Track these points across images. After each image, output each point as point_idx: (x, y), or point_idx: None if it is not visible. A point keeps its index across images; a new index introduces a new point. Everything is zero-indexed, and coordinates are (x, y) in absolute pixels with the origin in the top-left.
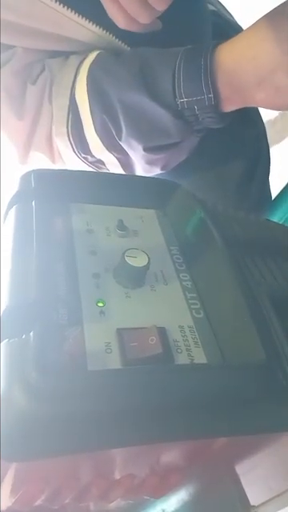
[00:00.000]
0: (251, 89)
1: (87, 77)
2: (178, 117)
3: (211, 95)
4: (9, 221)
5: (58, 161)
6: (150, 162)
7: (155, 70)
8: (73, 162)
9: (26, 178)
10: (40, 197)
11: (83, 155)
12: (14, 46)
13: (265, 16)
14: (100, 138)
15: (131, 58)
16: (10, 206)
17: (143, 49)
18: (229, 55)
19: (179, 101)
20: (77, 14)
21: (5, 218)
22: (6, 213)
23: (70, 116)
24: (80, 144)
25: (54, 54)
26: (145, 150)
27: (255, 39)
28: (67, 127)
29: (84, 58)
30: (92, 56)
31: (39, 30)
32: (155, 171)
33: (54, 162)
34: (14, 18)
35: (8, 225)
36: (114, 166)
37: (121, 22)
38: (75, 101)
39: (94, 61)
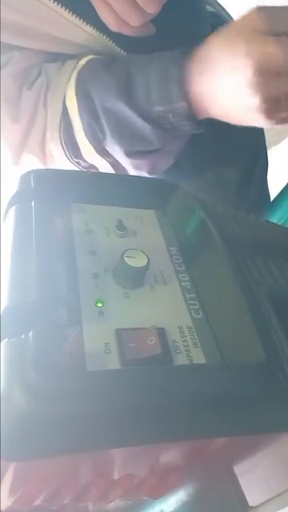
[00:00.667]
0: (217, 101)
1: (76, 81)
2: (156, 125)
3: (184, 103)
4: (8, 221)
5: (50, 164)
6: (135, 167)
7: (134, 78)
8: (66, 167)
9: (25, 178)
10: (39, 197)
11: (75, 160)
12: (12, 48)
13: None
14: (91, 143)
15: (121, 64)
16: (9, 206)
17: (134, 56)
18: (199, 64)
19: (155, 109)
20: (74, 15)
21: (4, 218)
22: (6, 213)
23: (63, 121)
24: (72, 149)
25: (52, 58)
26: (127, 154)
27: (223, 50)
28: (59, 132)
29: (77, 62)
30: (83, 61)
31: (35, 30)
32: (144, 175)
33: (45, 164)
34: (11, 16)
35: (7, 225)
36: (106, 171)
37: (112, 25)
38: (66, 105)
39: (84, 66)
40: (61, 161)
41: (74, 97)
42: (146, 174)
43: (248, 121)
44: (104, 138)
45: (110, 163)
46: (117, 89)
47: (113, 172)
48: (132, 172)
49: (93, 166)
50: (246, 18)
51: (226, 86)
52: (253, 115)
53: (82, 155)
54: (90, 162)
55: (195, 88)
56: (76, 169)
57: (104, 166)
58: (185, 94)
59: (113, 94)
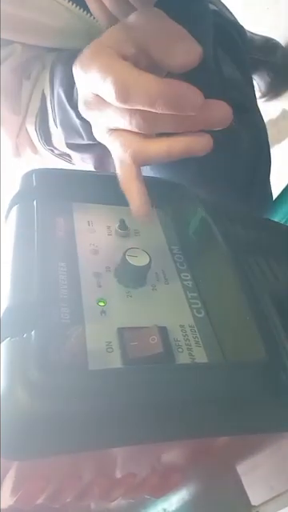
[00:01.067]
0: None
1: (50, 69)
2: (81, 117)
3: (79, 120)
4: (10, 220)
5: (21, 150)
6: (81, 159)
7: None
8: (45, 155)
9: (27, 177)
10: (41, 196)
11: (48, 147)
12: (13, 42)
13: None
14: (59, 130)
15: (73, 56)
16: (11, 206)
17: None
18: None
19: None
20: (74, 4)
21: (6, 218)
22: (8, 212)
23: (39, 108)
24: (44, 136)
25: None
26: (68, 146)
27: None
28: (36, 117)
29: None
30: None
31: (36, 22)
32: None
33: (35, 153)
34: (12, 10)
35: (10, 224)
36: (79, 159)
37: (104, 22)
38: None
39: (60, 53)
40: (39, 148)
41: (48, 85)
42: (92, 168)
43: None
44: (56, 127)
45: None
46: (60, 77)
47: (85, 162)
48: (79, 164)
49: (66, 154)
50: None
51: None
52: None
53: (52, 142)
54: (62, 149)
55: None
56: (49, 155)
57: (74, 155)
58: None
59: (58, 82)
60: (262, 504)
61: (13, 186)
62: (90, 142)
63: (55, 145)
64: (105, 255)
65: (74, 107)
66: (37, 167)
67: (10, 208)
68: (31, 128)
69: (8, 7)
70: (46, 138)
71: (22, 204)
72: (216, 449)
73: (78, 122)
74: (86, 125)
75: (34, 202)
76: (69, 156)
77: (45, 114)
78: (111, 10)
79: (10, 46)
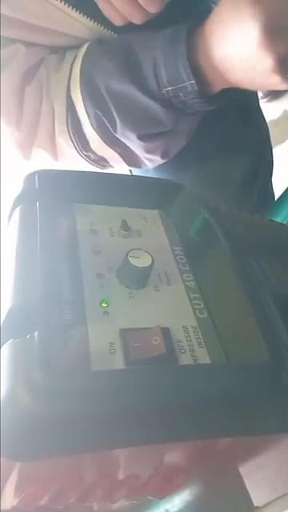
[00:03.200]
0: (227, 70)
1: (80, 72)
2: (167, 105)
3: (193, 81)
4: (13, 221)
5: (61, 158)
6: (148, 151)
7: (139, 60)
8: (76, 161)
9: (29, 178)
10: (44, 197)
11: (85, 153)
12: (16, 42)
13: None
14: (98, 134)
15: (116, 47)
16: (14, 207)
17: (127, 36)
18: (205, 36)
19: (164, 90)
20: (77, 11)
21: (9, 219)
22: (11, 213)
23: (69, 114)
24: (80, 142)
25: (56, 50)
26: (139, 138)
27: (227, 16)
28: (67, 125)
29: (76, 54)
30: (82, 50)
31: (39, 27)
32: (157, 160)
33: (56, 159)
34: (13, 14)
35: (12, 225)
36: (116, 162)
37: (117, 21)
38: (71, 98)
39: (84, 55)
40: (71, 154)
41: (79, 89)
42: (158, 159)
43: (265, 85)
44: (114, 126)
45: (120, 154)
46: (120, 73)
47: (122, 163)
48: (142, 159)
49: (103, 159)
50: None
51: (237, 53)
52: (269, 78)
53: (91, 148)
54: (100, 154)
55: (205, 61)
56: (86, 163)
57: (114, 158)
58: (194, 70)
59: (118, 79)
60: (265, 505)
61: (15, 187)
62: (166, 129)
63: (93, 149)
64: (107, 256)
65: (155, 98)
66: (39, 168)
67: (13, 209)
68: (64, 137)
69: (17, 14)
70: (83, 144)
71: (25, 205)
72: (219, 450)
73: (160, 109)
74: (170, 110)
75: (37, 203)
76: (105, 161)
77: (76, 120)
78: (123, 12)
79: (13, 45)
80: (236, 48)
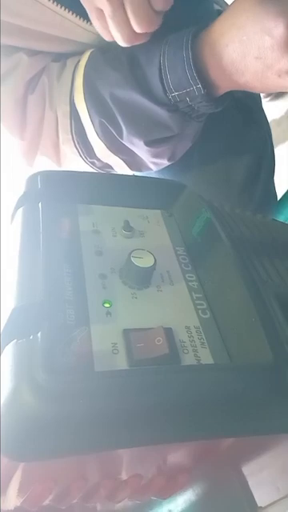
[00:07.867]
0: (237, 71)
1: (83, 81)
2: (173, 110)
3: (199, 85)
4: (16, 222)
5: (65, 165)
6: (155, 155)
7: (144, 67)
8: (80, 168)
9: (32, 179)
10: (46, 198)
11: (90, 160)
12: (19, 51)
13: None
14: (103, 142)
15: (120, 55)
16: (16, 208)
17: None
18: (213, 39)
19: (170, 95)
20: (78, 17)
21: (12, 220)
22: (13, 214)
23: (73, 122)
24: (86, 149)
25: (58, 58)
26: (147, 144)
27: (244, 19)
28: (71, 134)
29: (78, 62)
30: (84, 58)
31: (38, 32)
32: (163, 163)
33: (60, 166)
34: (12, 19)
35: (15, 226)
36: (121, 168)
37: (121, 42)
38: (75, 107)
39: (86, 64)
40: (75, 161)
41: (83, 99)
42: (164, 162)
43: (276, 86)
44: (120, 134)
45: (125, 160)
46: (125, 80)
47: (127, 169)
48: (148, 163)
49: (108, 165)
50: None
51: (253, 52)
52: (284, 78)
53: (96, 155)
54: (105, 161)
55: (212, 64)
56: (90, 169)
57: (119, 165)
58: (200, 74)
59: (122, 85)
60: (269, 505)
61: (18, 188)
62: (172, 134)
63: (99, 156)
64: (110, 256)
65: (160, 103)
66: (41, 169)
67: (16, 210)
68: (69, 145)
69: (17, 20)
70: (88, 151)
71: (28, 206)
72: (222, 450)
73: (166, 114)
74: (176, 115)
75: (39, 204)
76: (110, 167)
77: (81, 128)
78: (113, 30)
79: (16, 55)
80: (252, 47)
